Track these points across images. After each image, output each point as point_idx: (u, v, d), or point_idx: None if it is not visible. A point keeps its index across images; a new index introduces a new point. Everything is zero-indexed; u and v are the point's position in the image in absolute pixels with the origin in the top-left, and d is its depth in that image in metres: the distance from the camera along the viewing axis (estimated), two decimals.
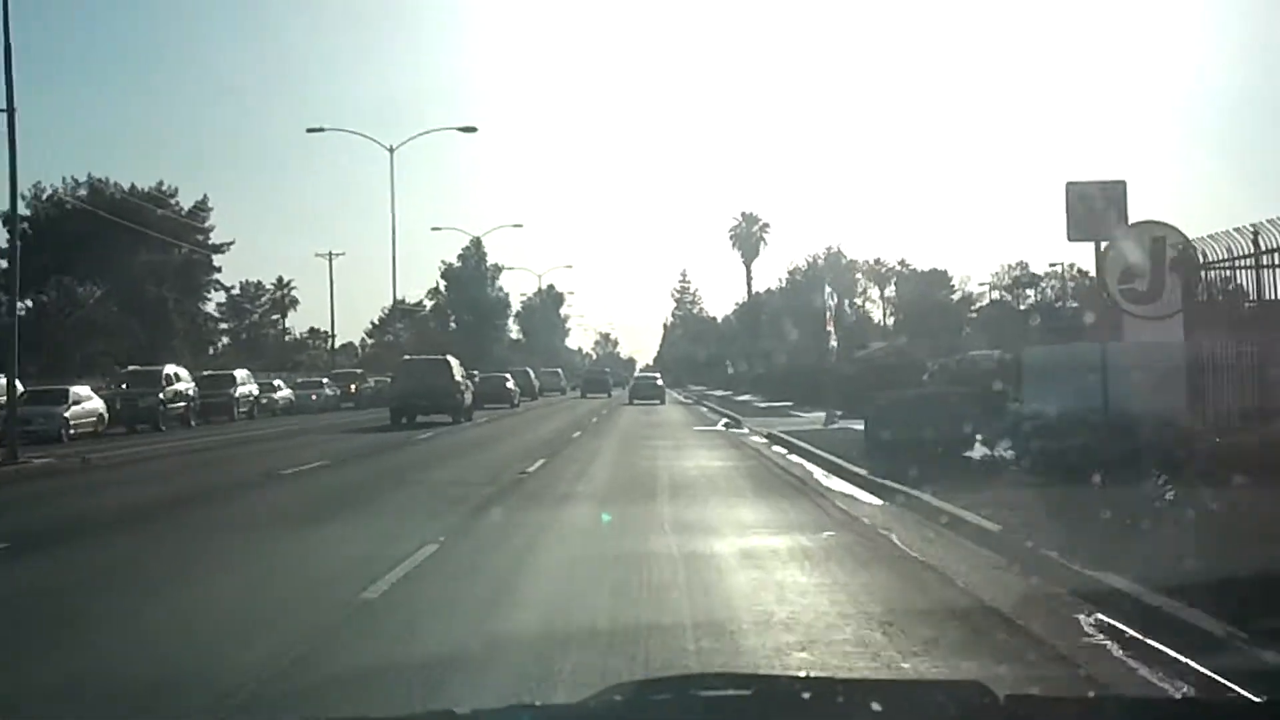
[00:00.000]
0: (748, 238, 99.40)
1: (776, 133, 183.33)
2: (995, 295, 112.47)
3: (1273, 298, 15.43)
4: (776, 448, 24.95)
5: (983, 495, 12.55)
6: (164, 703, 5.92)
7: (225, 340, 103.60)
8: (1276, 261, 15.04)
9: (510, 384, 59.34)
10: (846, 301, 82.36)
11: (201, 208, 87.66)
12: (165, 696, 6.03)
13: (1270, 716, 3.09)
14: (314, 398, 58.09)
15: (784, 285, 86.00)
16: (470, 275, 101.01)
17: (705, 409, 52.58)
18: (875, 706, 2.65)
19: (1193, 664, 5.87)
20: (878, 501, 14.06)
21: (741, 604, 7.80)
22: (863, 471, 16.57)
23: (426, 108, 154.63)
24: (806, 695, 2.78)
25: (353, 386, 65.18)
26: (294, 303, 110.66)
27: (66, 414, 33.83)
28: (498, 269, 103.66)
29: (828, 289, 56.36)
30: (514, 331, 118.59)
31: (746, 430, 32.80)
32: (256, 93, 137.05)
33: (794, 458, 21.81)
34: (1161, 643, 6.29)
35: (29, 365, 54.99)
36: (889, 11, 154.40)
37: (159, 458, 25.01)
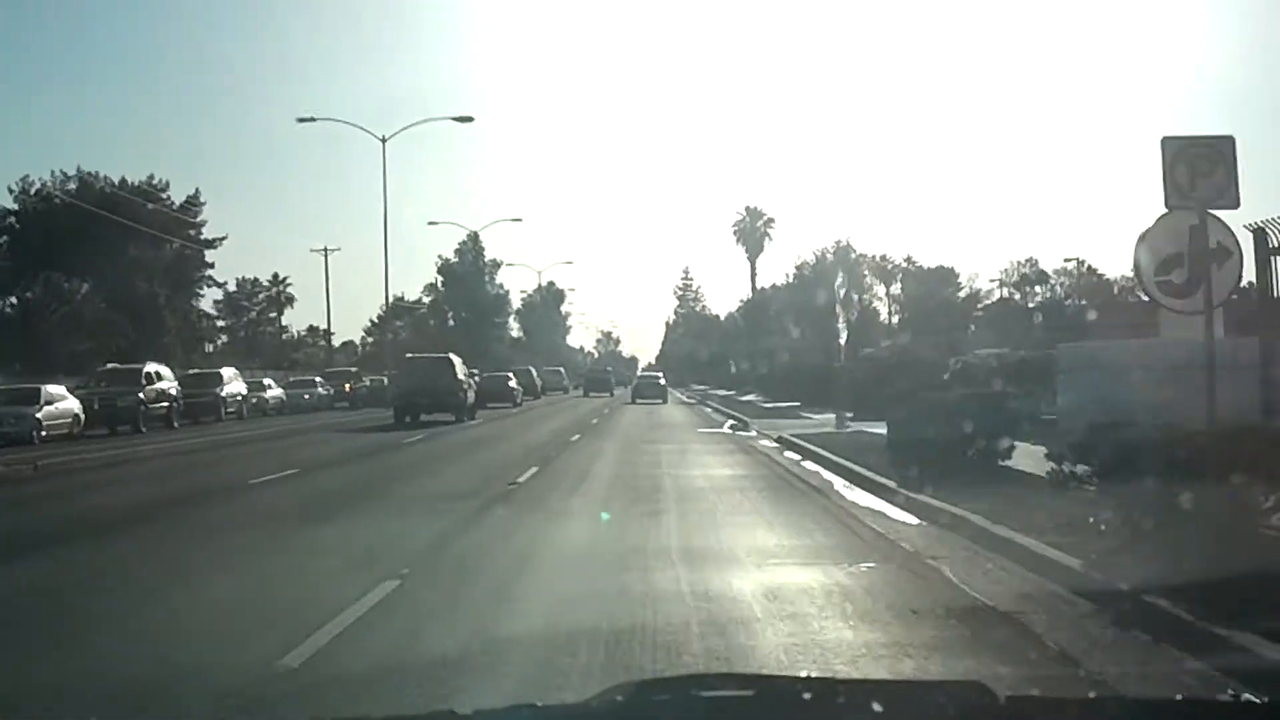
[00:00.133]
0: (752, 233, 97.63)
1: (780, 126, 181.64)
2: (1004, 293, 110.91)
3: None
4: (789, 453, 23.19)
5: (1037, 514, 10.76)
6: None
7: (224, 339, 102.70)
8: None
9: (513, 383, 58.89)
10: (856, 298, 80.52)
11: (193, 202, 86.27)
12: None
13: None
14: (306, 397, 56.36)
15: (791, 281, 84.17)
16: (468, 271, 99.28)
17: (709, 409, 50.84)
18: (876, 707, 2.62)
19: None
20: (913, 520, 12.29)
21: None
22: (890, 483, 14.80)
23: (424, 102, 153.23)
24: (807, 695, 2.78)
25: (347, 385, 63.43)
26: (290, 300, 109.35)
27: (39, 415, 32.11)
28: (496, 265, 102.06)
29: (839, 282, 54.51)
30: (515, 330, 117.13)
31: (754, 433, 31.07)
32: (253, 88, 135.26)
33: (809, 465, 20.06)
34: None
35: (13, 363, 53.78)
36: (894, 2, 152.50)
37: (120, 464, 23.20)
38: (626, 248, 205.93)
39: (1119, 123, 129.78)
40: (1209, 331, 12.46)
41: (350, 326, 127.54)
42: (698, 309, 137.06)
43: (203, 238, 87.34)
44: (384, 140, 55.23)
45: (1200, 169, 11.79)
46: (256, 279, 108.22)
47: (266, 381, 54.41)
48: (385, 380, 61.21)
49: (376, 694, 5.97)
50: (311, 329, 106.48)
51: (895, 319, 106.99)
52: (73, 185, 77.81)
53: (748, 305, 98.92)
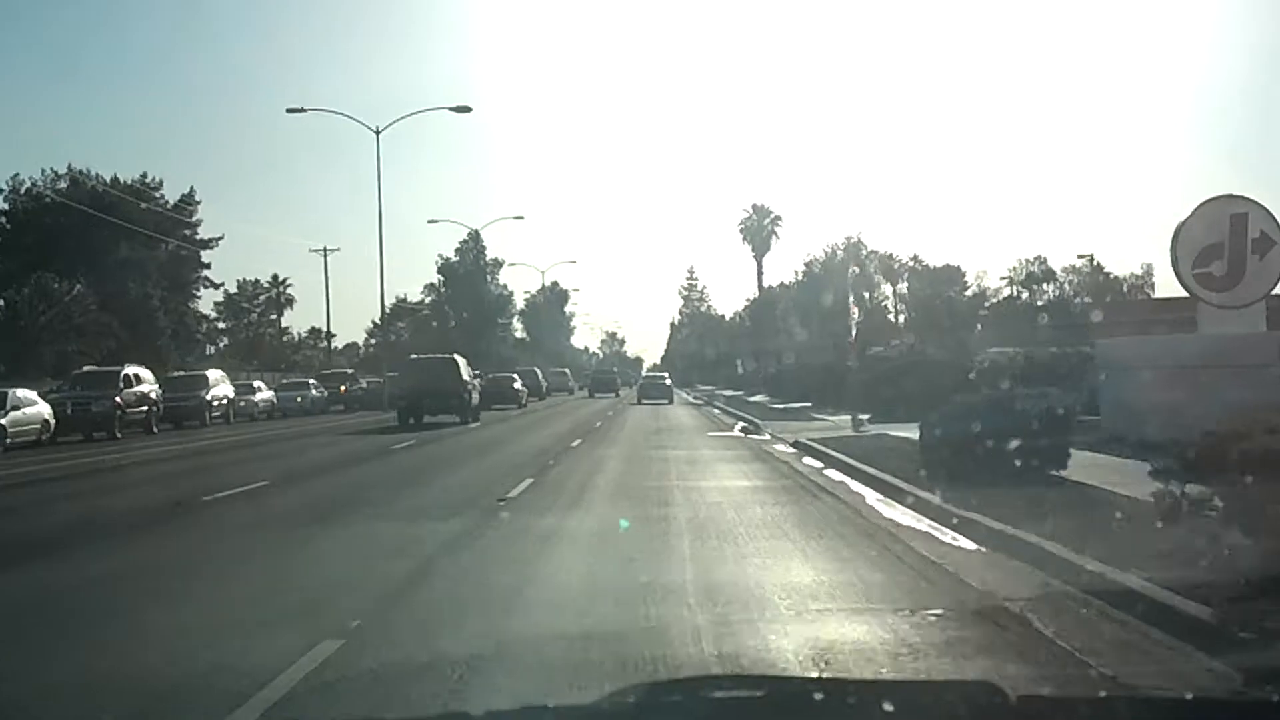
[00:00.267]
0: (758, 231, 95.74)
1: (787, 124, 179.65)
2: (1012, 291, 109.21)
3: None
4: (809, 459, 21.24)
5: (1126, 544, 8.84)
6: None
7: (225, 341, 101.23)
8: None
9: (518, 384, 58.53)
10: (867, 296, 78.55)
11: (188, 201, 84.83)
12: None
13: None
14: (299, 400, 54.49)
15: (800, 279, 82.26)
16: (469, 270, 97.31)
17: (717, 410, 48.88)
18: (887, 707, 2.58)
19: None
20: (969, 545, 10.35)
21: None
22: (933, 497, 12.84)
23: (424, 98, 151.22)
24: (818, 696, 2.77)
25: (342, 388, 61.55)
26: (289, 301, 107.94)
27: (3, 420, 30.19)
28: (498, 264, 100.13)
29: (851, 279, 52.59)
30: (519, 330, 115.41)
31: (768, 436, 29.12)
32: (250, 87, 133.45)
33: (833, 474, 18.10)
34: None
35: None
36: None
37: (70, 477, 21.12)
38: (631, 247, 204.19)
39: (1129, 117, 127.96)
40: None
41: (353, 328, 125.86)
42: (703, 309, 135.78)
43: (198, 238, 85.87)
44: (378, 132, 53.32)
45: None
46: (258, 280, 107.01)
47: (256, 384, 52.53)
48: (382, 382, 59.67)
49: None
50: (313, 331, 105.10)
51: (901, 318, 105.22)
52: (64, 184, 76.27)
53: (754, 304, 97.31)
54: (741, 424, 36.24)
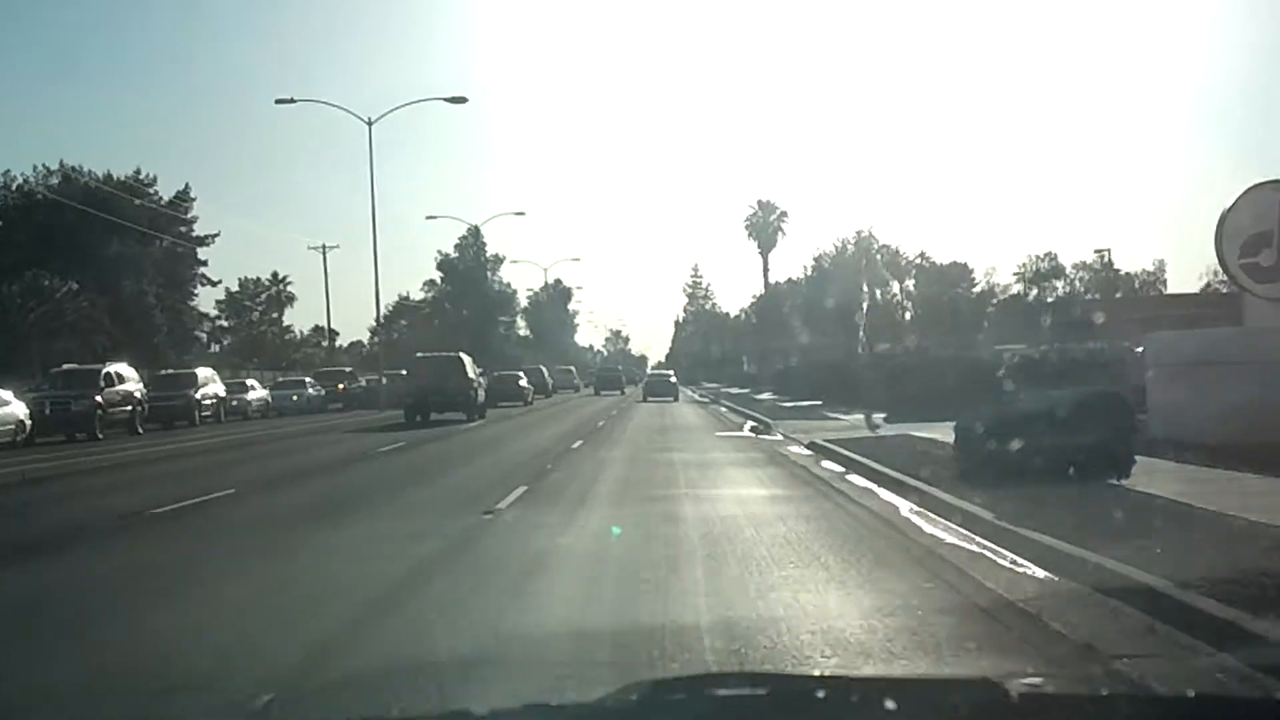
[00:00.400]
0: (764, 227, 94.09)
1: (791, 119, 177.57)
2: (1020, 288, 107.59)
3: None
4: (828, 463, 19.56)
5: (1250, 581, 7.18)
6: None
7: (228, 339, 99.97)
8: None
9: (524, 382, 58.59)
10: (878, 292, 76.83)
11: (183, 198, 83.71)
12: None
13: None
14: (294, 399, 52.93)
15: (810, 274, 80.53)
16: (469, 267, 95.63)
17: (724, 409, 47.21)
18: (889, 705, 2.56)
19: None
20: (1038, 572, 8.65)
21: None
22: (982, 513, 11.10)
23: (425, 94, 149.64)
24: (821, 694, 2.75)
25: (340, 386, 59.93)
26: (290, 299, 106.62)
27: None
28: (498, 260, 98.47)
29: (864, 269, 50.88)
30: (522, 328, 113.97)
31: (780, 436, 27.45)
32: (251, 85, 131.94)
33: (857, 480, 16.40)
34: None
35: None
36: None
37: (19, 485, 19.41)
38: (634, 244, 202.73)
39: (1142, 113, 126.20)
40: None
41: (358, 326, 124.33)
42: (708, 307, 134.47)
43: (194, 234, 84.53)
44: (370, 123, 51.66)
45: None
46: (259, 278, 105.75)
47: (249, 383, 50.94)
48: (382, 380, 58.29)
49: None
50: (317, 329, 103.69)
51: (908, 316, 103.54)
52: (55, 180, 74.90)
53: (760, 301, 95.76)
54: (751, 423, 34.60)
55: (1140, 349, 23.53)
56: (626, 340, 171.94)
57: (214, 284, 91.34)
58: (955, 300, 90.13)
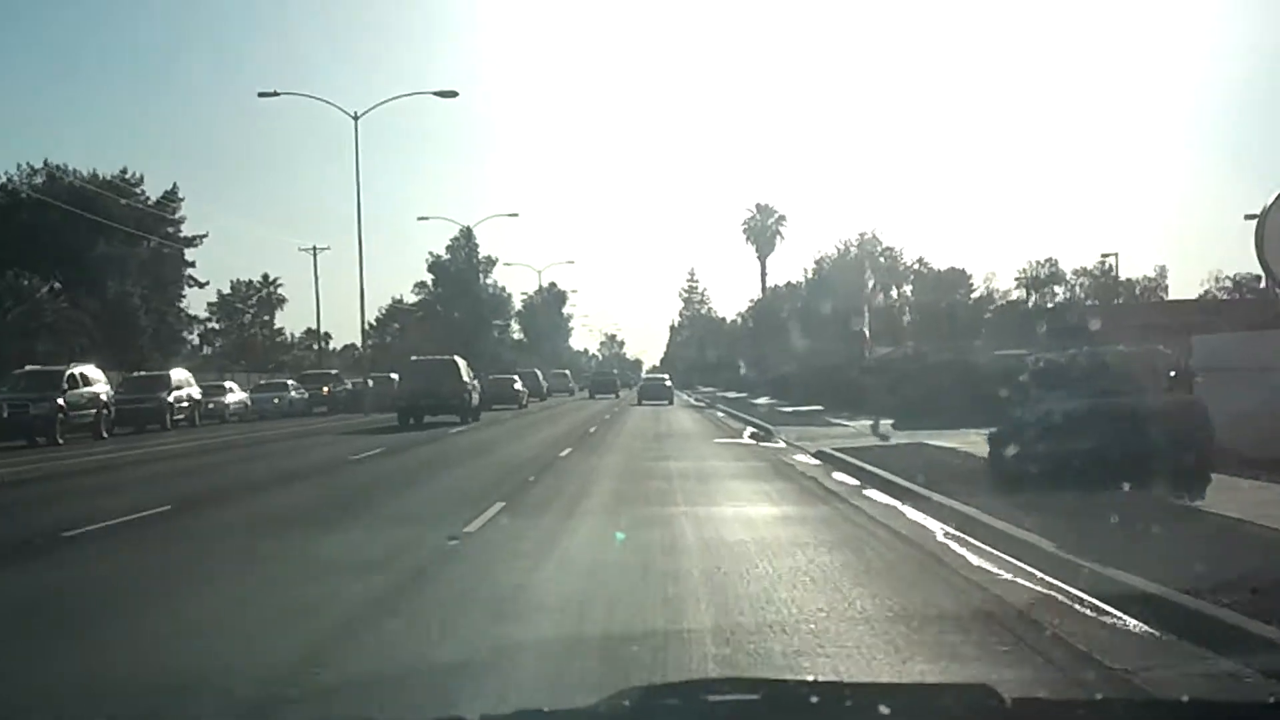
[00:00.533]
0: (762, 231, 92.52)
1: (790, 123, 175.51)
2: (1020, 293, 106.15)
3: None
4: (840, 475, 17.72)
5: None
6: None
7: (220, 342, 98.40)
8: None
9: (518, 385, 58.62)
10: (881, 295, 75.01)
11: (171, 198, 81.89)
12: None
13: None
14: (276, 401, 51.05)
15: (811, 276, 78.84)
16: (460, 269, 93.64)
17: (722, 414, 45.39)
18: (883, 710, 2.54)
19: None
20: (1129, 622, 6.86)
21: None
22: (1042, 541, 9.25)
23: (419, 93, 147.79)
24: (814, 699, 2.75)
25: (325, 389, 57.99)
26: (280, 301, 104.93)
27: None
28: (491, 262, 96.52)
29: (867, 275, 49.10)
30: (516, 332, 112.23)
31: (783, 444, 25.62)
32: (245, 87, 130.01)
33: (877, 496, 14.56)
34: None
35: None
36: None
37: None
38: (630, 248, 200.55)
39: (1144, 120, 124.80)
40: None
41: (351, 329, 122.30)
42: (704, 311, 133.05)
43: (182, 235, 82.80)
44: (356, 118, 49.74)
45: None
46: (251, 281, 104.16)
47: (228, 385, 48.98)
48: (368, 383, 56.52)
49: None
50: (309, 332, 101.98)
51: (905, 321, 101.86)
52: (40, 179, 73.18)
53: (758, 305, 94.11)
54: (751, 429, 32.80)
55: (1168, 351, 21.76)
56: (621, 344, 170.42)
57: (201, 285, 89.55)
58: (953, 306, 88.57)
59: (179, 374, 42.53)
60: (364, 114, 50.21)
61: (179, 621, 7.69)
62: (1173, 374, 19.47)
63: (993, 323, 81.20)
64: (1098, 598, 7.45)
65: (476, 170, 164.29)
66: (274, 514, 13.61)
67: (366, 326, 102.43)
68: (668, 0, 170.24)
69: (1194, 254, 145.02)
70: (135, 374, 41.89)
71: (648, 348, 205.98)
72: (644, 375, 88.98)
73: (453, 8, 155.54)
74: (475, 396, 40.87)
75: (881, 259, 79.10)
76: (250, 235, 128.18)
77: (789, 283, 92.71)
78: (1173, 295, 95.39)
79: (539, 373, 72.76)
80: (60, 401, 31.91)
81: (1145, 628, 6.76)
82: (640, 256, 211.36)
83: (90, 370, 35.46)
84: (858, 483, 16.38)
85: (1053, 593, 7.90)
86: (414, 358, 43.76)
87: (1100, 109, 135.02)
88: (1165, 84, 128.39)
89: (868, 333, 40.96)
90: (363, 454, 23.64)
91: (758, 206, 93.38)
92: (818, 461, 20.58)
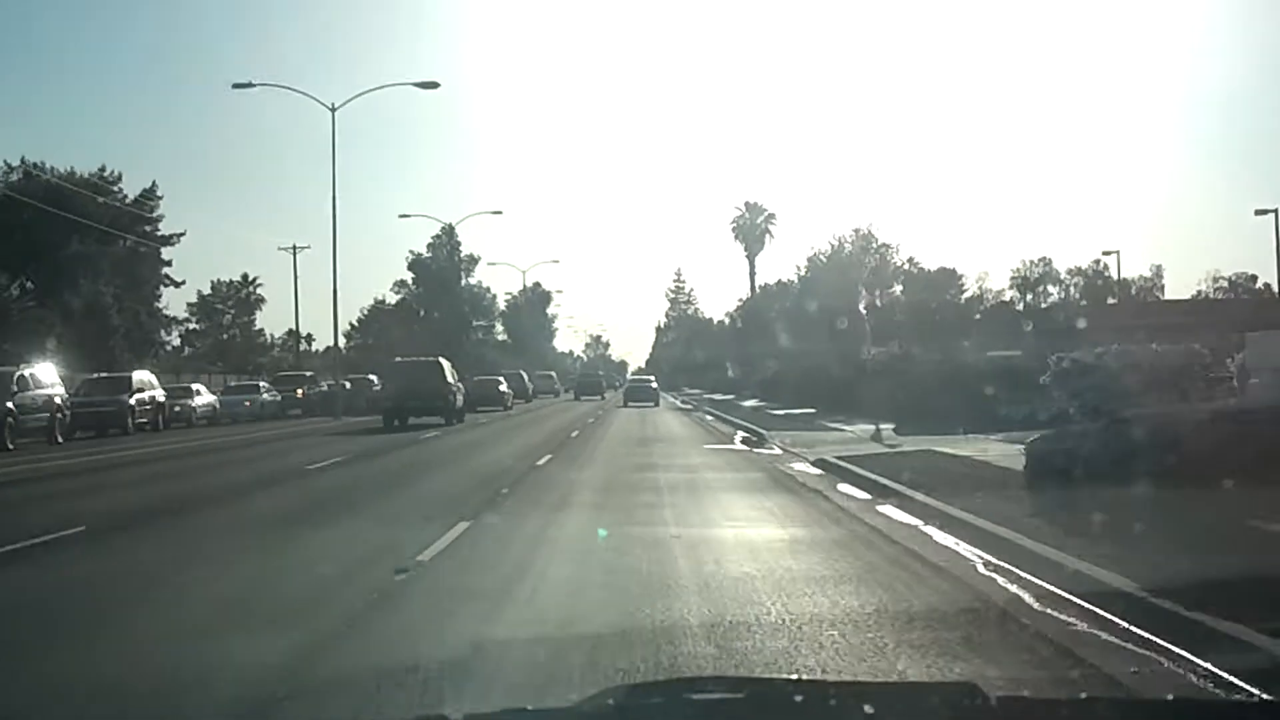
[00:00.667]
0: (751, 229, 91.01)
1: (778, 121, 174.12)
2: (1013, 294, 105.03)
3: None
4: (847, 488, 15.94)
5: None
6: None
7: (199, 344, 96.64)
8: None
9: (503, 386, 58.41)
10: (877, 293, 73.25)
11: (149, 196, 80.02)
12: None
13: (1268, 715, 2.98)
14: (247, 404, 49.13)
15: (804, 273, 77.19)
16: (441, 267, 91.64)
17: (710, 417, 43.65)
18: (867, 709, 2.48)
19: None
20: None
21: None
22: (1127, 584, 7.44)
23: (403, 89, 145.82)
24: (799, 698, 2.70)
25: (299, 391, 56.08)
26: (260, 301, 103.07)
27: None
28: (473, 260, 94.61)
29: (868, 267, 47.33)
30: (500, 333, 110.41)
31: (778, 450, 23.89)
32: (226, 86, 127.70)
33: (894, 513, 12.74)
34: None
35: None
36: None
37: None
38: (616, 247, 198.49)
39: (1140, 119, 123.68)
40: None
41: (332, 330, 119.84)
42: (690, 311, 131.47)
43: (160, 234, 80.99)
44: (333, 109, 47.86)
45: None
46: (232, 281, 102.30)
47: (195, 387, 47.04)
48: (345, 385, 54.75)
49: None
50: (291, 332, 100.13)
51: (894, 320, 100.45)
52: (16, 177, 71.32)
53: (747, 304, 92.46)
54: (742, 434, 31.07)
55: (1205, 350, 20.14)
56: (607, 345, 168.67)
57: (177, 285, 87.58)
58: (942, 306, 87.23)
59: (141, 375, 40.60)
60: (341, 105, 48.36)
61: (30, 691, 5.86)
62: (1210, 375, 17.80)
63: (983, 323, 80.00)
64: (1232, 674, 5.61)
65: (461, 168, 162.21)
66: (202, 537, 11.69)
67: (349, 326, 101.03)
68: (654, 2, 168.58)
69: (1195, 253, 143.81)
70: (94, 375, 39.91)
71: (633, 349, 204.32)
72: (630, 377, 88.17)
73: (437, 6, 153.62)
74: (459, 398, 40.43)
75: (877, 255, 77.35)
76: (230, 234, 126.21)
77: (779, 281, 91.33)
78: (1170, 295, 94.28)
79: (524, 374, 72.33)
80: (9, 405, 29.98)
81: None
82: (626, 256, 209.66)
83: (43, 371, 33.52)
84: (868, 496, 14.61)
85: (1175, 665, 6.01)
86: (398, 359, 43.39)
87: (1099, 106, 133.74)
88: (1165, 81, 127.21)
89: (868, 328, 39.37)
90: (326, 462, 21.78)
91: (746, 205, 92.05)
92: (819, 471, 18.84)
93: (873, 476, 16.06)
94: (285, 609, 7.54)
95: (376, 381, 57.80)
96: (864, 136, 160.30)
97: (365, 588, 8.38)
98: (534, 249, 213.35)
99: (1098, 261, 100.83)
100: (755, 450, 24.79)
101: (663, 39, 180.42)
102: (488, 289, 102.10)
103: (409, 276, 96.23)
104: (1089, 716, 2.71)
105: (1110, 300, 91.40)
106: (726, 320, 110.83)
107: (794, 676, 5.31)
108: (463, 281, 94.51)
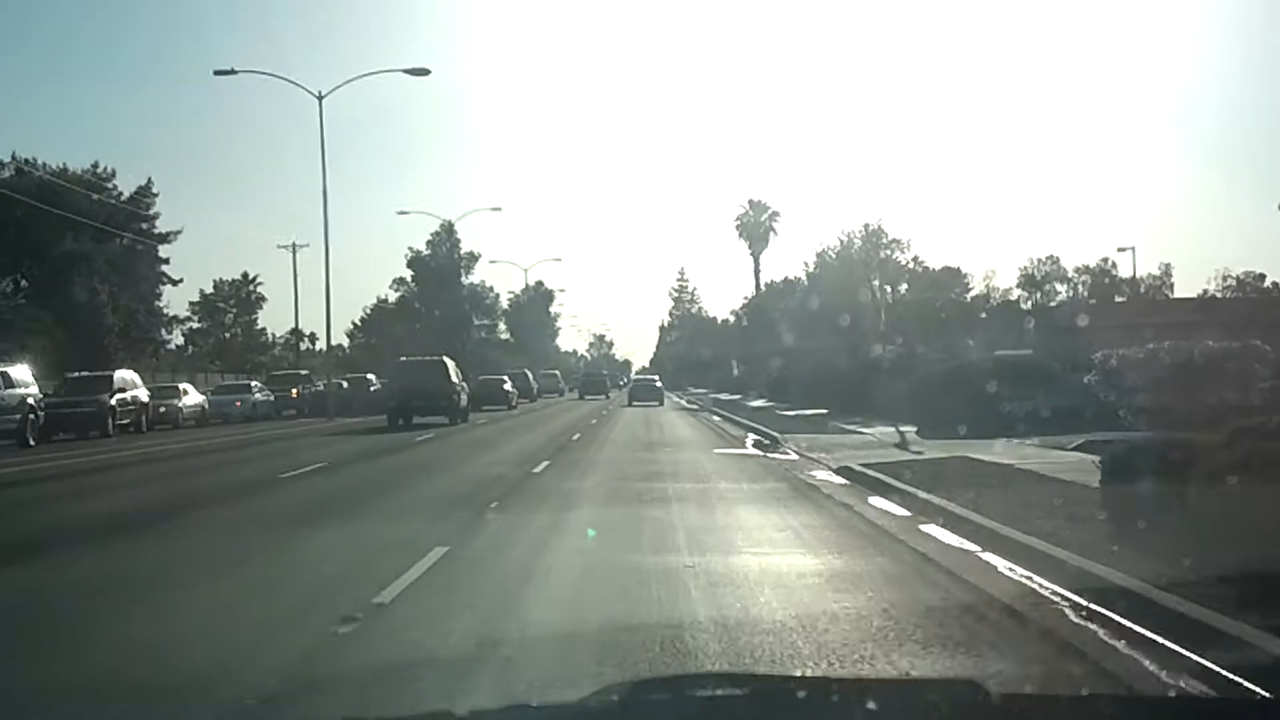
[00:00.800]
0: (756, 227, 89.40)
1: (782, 118, 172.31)
2: (1021, 293, 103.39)
3: None
4: (879, 501, 14.16)
5: None
6: None
7: (201, 343, 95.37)
8: None
9: (508, 386, 58.38)
10: (889, 289, 71.50)
11: (145, 193, 78.72)
12: None
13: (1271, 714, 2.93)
14: (238, 404, 47.41)
15: (812, 270, 75.58)
16: (441, 264, 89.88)
17: (717, 418, 41.86)
18: (870, 705, 2.51)
19: None
20: None
21: None
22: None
23: (399, 81, 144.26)
24: (802, 694, 2.71)
25: (294, 390, 54.32)
26: (260, 300, 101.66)
27: None
28: (474, 257, 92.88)
29: (879, 263, 45.65)
30: (503, 331, 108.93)
31: (794, 455, 22.13)
32: (234, 87, 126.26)
33: (941, 534, 10.99)
34: None
35: None
36: None
37: None
38: (619, 245, 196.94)
39: (1152, 118, 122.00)
40: None
41: (336, 328, 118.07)
42: (694, 311, 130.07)
43: (156, 231, 79.61)
44: (320, 97, 46.14)
45: None
46: (233, 279, 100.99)
47: (183, 387, 45.30)
48: (342, 385, 53.16)
49: None
50: (294, 332, 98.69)
51: (899, 317, 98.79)
52: (8, 173, 69.91)
53: (752, 303, 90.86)
54: (754, 437, 29.28)
55: (1267, 347, 18.37)
56: (610, 345, 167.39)
57: (175, 283, 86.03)
58: (946, 305, 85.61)
59: (123, 375, 38.88)
60: (329, 93, 46.63)
61: None
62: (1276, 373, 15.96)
63: (989, 321, 78.47)
64: None
65: (460, 165, 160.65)
66: (130, 567, 9.74)
67: (352, 326, 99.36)
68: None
69: (1205, 252, 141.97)
70: (74, 375, 38.22)
71: (636, 348, 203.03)
72: (634, 376, 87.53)
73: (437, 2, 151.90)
74: (463, 398, 40.18)
75: (887, 251, 75.65)
76: (230, 232, 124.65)
77: (785, 278, 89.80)
78: (1180, 293, 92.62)
79: (529, 373, 72.22)
80: None
81: None
82: (629, 255, 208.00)
83: (16, 371, 31.83)
84: (907, 513, 12.82)
85: None
86: (402, 358, 43.09)
87: (1107, 104, 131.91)
88: (1173, 79, 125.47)
89: (882, 325, 37.84)
90: (304, 469, 20.02)
91: (751, 202, 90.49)
92: (844, 480, 17.06)
93: (906, 489, 14.29)
94: (193, 685, 5.72)
95: (375, 381, 56.30)
96: (869, 134, 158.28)
97: (304, 644, 6.57)
98: (536, 247, 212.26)
99: (1106, 259, 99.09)
100: (769, 455, 23.03)
101: (667, 33, 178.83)
102: (490, 287, 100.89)
103: (409, 274, 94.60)
104: (1092, 713, 2.70)
105: (1119, 299, 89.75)
106: (731, 319, 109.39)
107: (798, 674, 5.23)
108: (463, 279, 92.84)
